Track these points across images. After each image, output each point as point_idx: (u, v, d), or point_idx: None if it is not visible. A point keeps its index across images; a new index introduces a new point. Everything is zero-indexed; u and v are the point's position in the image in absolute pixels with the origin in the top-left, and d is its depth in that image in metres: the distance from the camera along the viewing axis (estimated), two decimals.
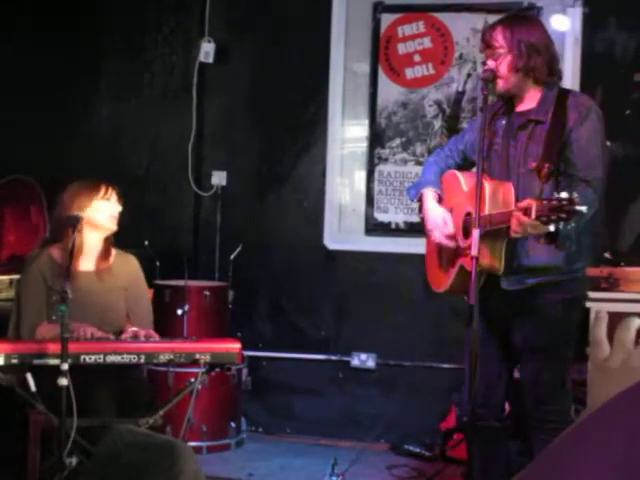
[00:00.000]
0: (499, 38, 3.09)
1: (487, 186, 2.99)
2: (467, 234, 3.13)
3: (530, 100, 3.14)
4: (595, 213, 2.99)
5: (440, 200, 3.33)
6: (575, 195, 2.60)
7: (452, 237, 3.22)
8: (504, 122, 3.19)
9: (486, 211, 2.95)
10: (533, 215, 2.67)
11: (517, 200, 2.98)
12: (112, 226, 3.66)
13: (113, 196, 3.67)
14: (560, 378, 3.19)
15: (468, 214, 3.13)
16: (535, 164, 3.00)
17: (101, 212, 3.62)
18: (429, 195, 3.33)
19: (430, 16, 5.04)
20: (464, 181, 3.22)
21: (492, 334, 3.17)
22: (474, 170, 3.26)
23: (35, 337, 3.43)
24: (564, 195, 2.59)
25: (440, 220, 3.24)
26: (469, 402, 3.11)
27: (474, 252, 2.87)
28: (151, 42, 5.49)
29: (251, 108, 5.37)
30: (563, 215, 2.59)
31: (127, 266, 3.75)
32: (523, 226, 2.76)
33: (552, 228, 2.65)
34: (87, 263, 3.62)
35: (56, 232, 3.69)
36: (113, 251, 3.72)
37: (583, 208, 2.59)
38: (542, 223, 2.66)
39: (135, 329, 3.51)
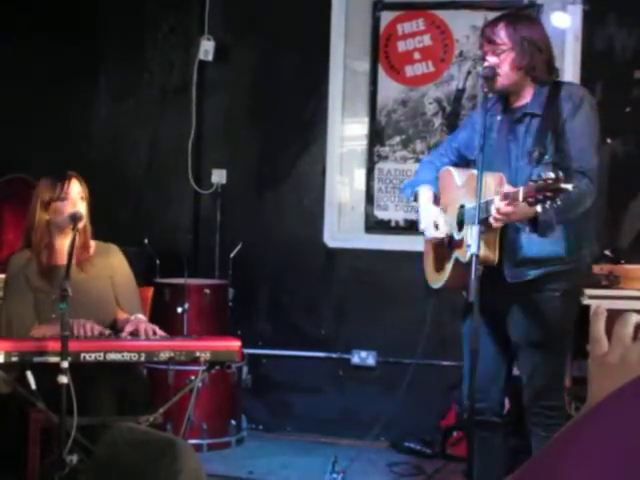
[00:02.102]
0: (502, 34, 3.08)
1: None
2: (461, 227, 3.13)
3: (526, 96, 3.16)
4: (595, 202, 3.01)
5: (436, 198, 3.33)
6: (561, 174, 2.60)
7: (442, 242, 3.24)
8: (499, 118, 3.19)
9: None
10: (520, 198, 2.68)
11: None
12: (69, 224, 3.46)
13: (71, 193, 3.52)
14: (557, 373, 3.20)
15: (462, 206, 3.14)
16: (527, 153, 3.03)
17: (59, 213, 3.51)
18: (424, 194, 3.33)
19: (430, 14, 5.04)
20: (457, 176, 3.23)
21: (490, 328, 3.17)
22: (471, 167, 3.27)
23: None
24: (550, 175, 2.60)
25: (431, 223, 3.24)
26: (467, 398, 3.12)
27: (474, 249, 2.87)
28: (150, 40, 5.49)
29: (251, 106, 5.37)
30: (549, 194, 2.59)
31: (109, 255, 3.69)
32: (499, 213, 2.78)
33: (539, 209, 2.66)
34: (64, 258, 3.54)
35: (25, 238, 3.62)
36: (92, 243, 3.66)
37: (569, 186, 2.59)
38: (529, 205, 2.67)
39: (139, 316, 3.50)
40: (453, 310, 4.53)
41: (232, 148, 5.40)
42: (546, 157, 3.00)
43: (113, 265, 3.68)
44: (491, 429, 3.23)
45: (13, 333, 3.46)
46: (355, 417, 5.05)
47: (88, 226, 3.62)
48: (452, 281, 3.22)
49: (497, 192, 2.91)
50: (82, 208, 3.53)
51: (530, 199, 2.64)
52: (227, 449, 4.80)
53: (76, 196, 3.54)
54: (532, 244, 3.04)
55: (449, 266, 3.21)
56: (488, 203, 2.88)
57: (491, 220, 2.84)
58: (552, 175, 2.58)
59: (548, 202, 2.60)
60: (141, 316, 3.56)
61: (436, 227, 3.23)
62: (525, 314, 3.12)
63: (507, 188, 2.79)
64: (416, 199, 3.37)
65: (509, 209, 2.77)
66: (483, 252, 2.94)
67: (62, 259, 3.52)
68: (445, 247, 3.26)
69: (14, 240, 4.92)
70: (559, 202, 2.61)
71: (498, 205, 2.79)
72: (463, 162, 3.37)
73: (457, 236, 3.16)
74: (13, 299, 3.54)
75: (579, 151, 3.01)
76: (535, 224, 2.86)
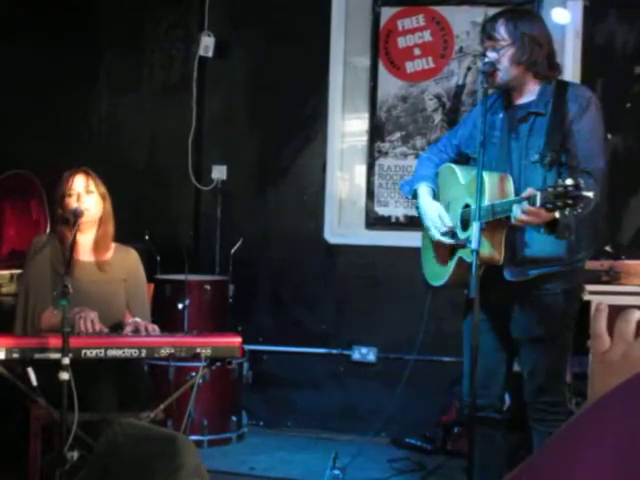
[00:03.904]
0: (502, 30, 3.08)
1: (486, 178, 2.98)
2: (465, 226, 3.13)
3: (529, 93, 3.15)
4: (596, 204, 3.00)
5: (434, 195, 3.32)
6: (581, 181, 2.59)
7: (448, 232, 3.23)
8: (501, 115, 3.19)
9: (486, 202, 2.95)
10: (538, 203, 2.67)
11: (517, 192, 2.98)
12: (71, 219, 3.45)
13: (75, 188, 3.54)
14: (558, 369, 3.20)
15: (466, 206, 3.13)
16: (538, 156, 3.01)
17: (67, 209, 3.52)
18: (423, 191, 3.32)
19: (430, 9, 5.04)
20: (461, 174, 3.22)
21: (491, 325, 3.17)
22: (471, 164, 3.26)
23: (40, 324, 3.45)
24: (569, 182, 2.59)
25: (436, 216, 3.24)
26: (468, 394, 3.12)
27: (475, 245, 2.87)
28: (151, 36, 5.49)
29: (251, 102, 5.37)
30: (569, 201, 2.58)
31: (127, 259, 3.73)
32: (528, 214, 2.76)
33: (557, 215, 2.65)
34: (85, 254, 3.61)
35: (54, 228, 3.67)
36: (112, 245, 3.70)
37: (590, 194, 2.58)
38: (547, 211, 2.66)
39: (136, 320, 3.51)
40: (453, 306, 4.54)
41: (232, 144, 5.40)
42: (559, 161, 2.99)
43: (129, 269, 3.71)
44: (492, 425, 3.23)
45: (30, 315, 3.48)
46: (356, 413, 5.06)
47: (110, 227, 3.65)
48: (454, 279, 3.22)
49: (506, 193, 2.91)
50: (89, 203, 3.55)
51: (549, 205, 2.63)
52: (228, 445, 4.80)
53: (81, 191, 3.56)
54: (535, 244, 3.03)
55: (452, 265, 3.21)
56: (496, 206, 2.87)
57: (513, 220, 2.83)
58: (571, 182, 2.57)
59: (567, 209, 2.60)
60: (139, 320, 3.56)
61: (441, 221, 3.21)
62: (526, 311, 3.12)
63: (530, 192, 2.76)
64: (415, 197, 3.36)
65: (531, 209, 2.74)
66: (489, 252, 2.94)
67: (79, 254, 3.56)
68: (447, 245, 3.25)
69: (15, 236, 4.92)
70: (579, 209, 2.60)
71: (522, 205, 2.77)
72: (462, 159, 3.36)
73: (461, 235, 3.15)
74: (33, 274, 3.54)
75: (587, 153, 3.00)
76: (554, 227, 2.84)
